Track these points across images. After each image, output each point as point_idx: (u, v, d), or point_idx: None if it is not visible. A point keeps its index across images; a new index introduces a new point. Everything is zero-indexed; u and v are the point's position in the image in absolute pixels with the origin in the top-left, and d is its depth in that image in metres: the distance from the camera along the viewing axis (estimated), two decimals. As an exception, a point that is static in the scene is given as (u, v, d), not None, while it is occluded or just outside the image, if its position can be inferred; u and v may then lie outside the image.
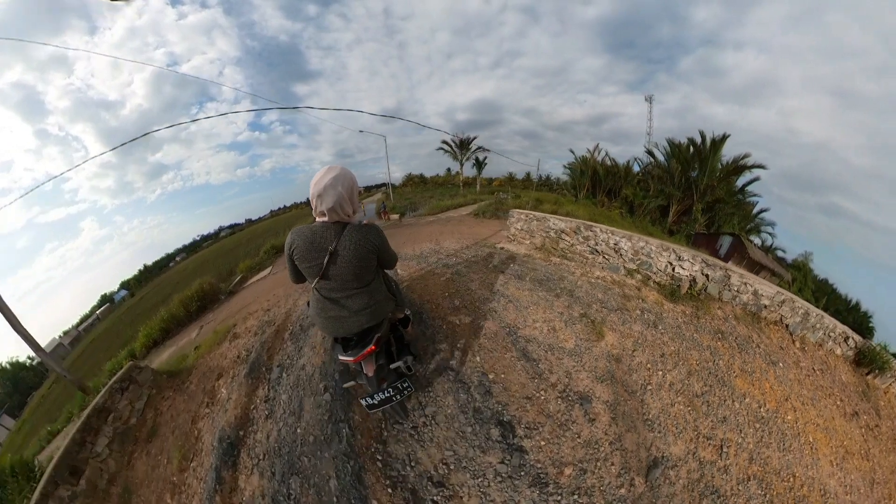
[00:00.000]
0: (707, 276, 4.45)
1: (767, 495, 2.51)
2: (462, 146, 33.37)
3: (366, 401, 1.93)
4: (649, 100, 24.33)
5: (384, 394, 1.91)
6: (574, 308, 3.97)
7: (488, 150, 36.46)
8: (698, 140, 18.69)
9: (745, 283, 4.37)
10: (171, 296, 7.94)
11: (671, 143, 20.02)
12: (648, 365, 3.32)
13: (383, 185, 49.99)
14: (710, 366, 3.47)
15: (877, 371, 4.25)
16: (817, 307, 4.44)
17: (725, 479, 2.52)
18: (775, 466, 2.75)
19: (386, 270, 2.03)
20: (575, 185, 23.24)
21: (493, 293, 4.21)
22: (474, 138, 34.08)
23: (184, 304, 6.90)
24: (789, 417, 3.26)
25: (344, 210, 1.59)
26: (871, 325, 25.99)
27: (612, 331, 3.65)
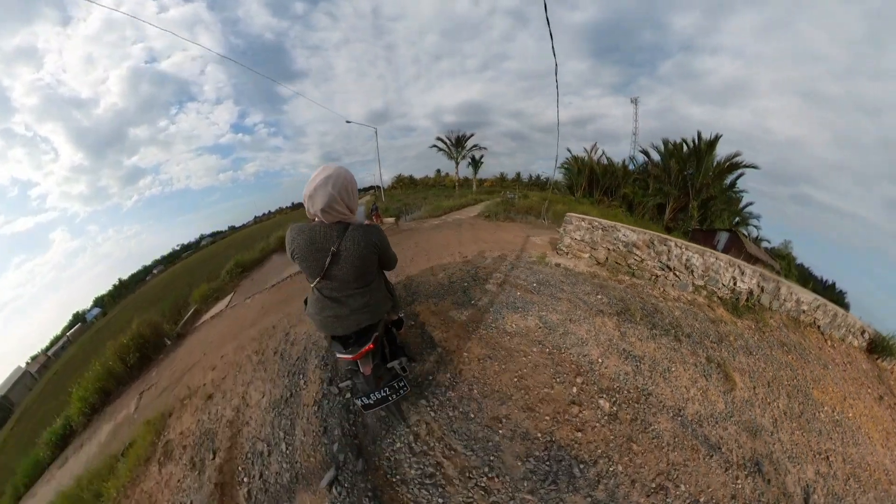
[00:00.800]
0: (762, 288, 4.66)
1: (862, 487, 2.88)
2: (458, 144, 31.69)
3: (361, 400, 1.91)
4: (635, 102, 25.03)
5: (380, 393, 1.90)
6: (699, 353, 3.54)
7: (485, 149, 33.69)
8: (690, 140, 19.17)
9: (791, 293, 4.76)
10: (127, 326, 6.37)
11: (667, 143, 20.31)
12: (767, 399, 3.26)
13: (372, 188, 48.72)
14: (795, 382, 3.67)
15: (886, 356, 4.85)
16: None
17: (837, 483, 2.81)
18: (857, 460, 3.10)
19: (385, 271, 2.03)
20: (572, 185, 22.97)
21: (619, 353, 3.19)
22: (470, 136, 32.06)
23: (120, 355, 5.38)
24: (850, 414, 3.61)
25: (336, 210, 1.53)
26: (845, 301, 29.73)
27: (735, 371, 3.46)
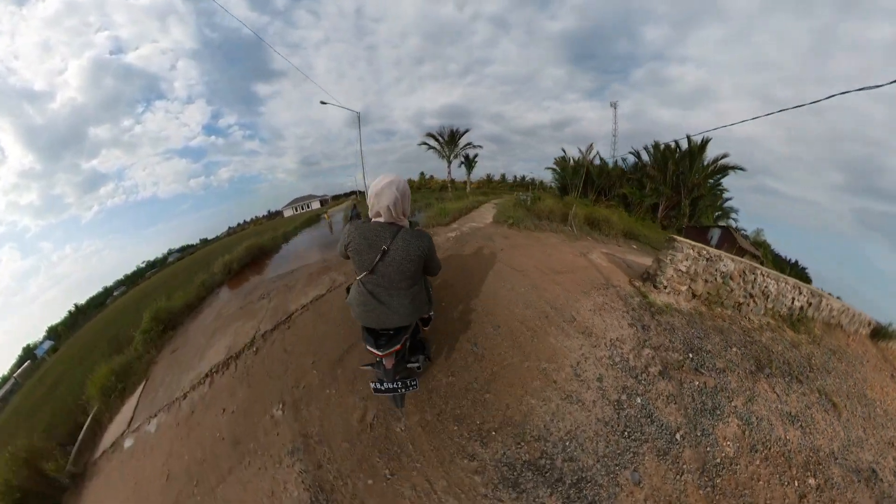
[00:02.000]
0: (810, 303, 5.19)
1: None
2: (451, 140, 28.78)
3: (375, 385, 2.10)
4: (614, 105, 25.44)
5: (393, 385, 2.07)
6: (812, 388, 3.55)
7: (479, 147, 30.44)
8: (681, 142, 19.95)
9: (828, 304, 5.36)
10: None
11: (657, 145, 20.95)
12: (854, 412, 3.47)
13: (353, 193, 46.77)
14: (857, 388, 3.90)
15: (887, 340, 5.70)
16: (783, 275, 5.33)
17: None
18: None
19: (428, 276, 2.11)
20: (565, 185, 22.62)
21: (785, 418, 3.04)
22: (465, 132, 28.79)
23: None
24: (889, 400, 3.93)
25: (397, 210, 1.73)
26: (808, 278, 31.71)
27: (832, 394, 3.56)
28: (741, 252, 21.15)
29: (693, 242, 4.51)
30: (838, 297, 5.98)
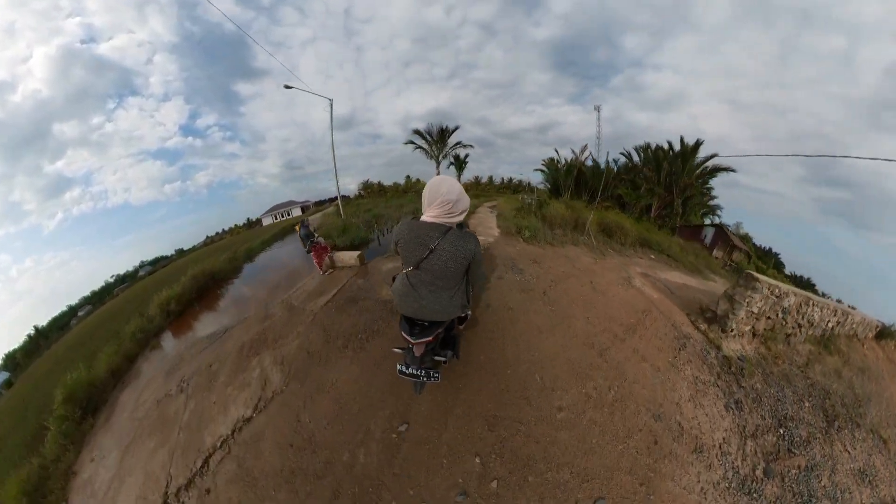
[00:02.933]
0: (839, 322, 5.31)
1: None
2: (440, 139, 26.39)
3: (400, 367, 2.22)
4: (598, 109, 25.40)
5: (418, 371, 2.17)
6: (865, 431, 3.40)
7: (471, 146, 28.03)
8: (672, 144, 20.13)
9: (852, 319, 5.52)
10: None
11: (648, 146, 20.89)
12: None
13: (335, 198, 45.08)
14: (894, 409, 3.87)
15: (888, 339, 6.07)
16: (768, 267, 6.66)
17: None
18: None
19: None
20: (557, 186, 22.15)
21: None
22: (455, 129, 26.34)
23: None
24: None
25: (447, 211, 1.78)
26: (781, 261, 35.24)
27: (881, 429, 3.48)
28: (734, 248, 21.46)
29: (770, 280, 4.04)
30: (854, 307, 6.32)
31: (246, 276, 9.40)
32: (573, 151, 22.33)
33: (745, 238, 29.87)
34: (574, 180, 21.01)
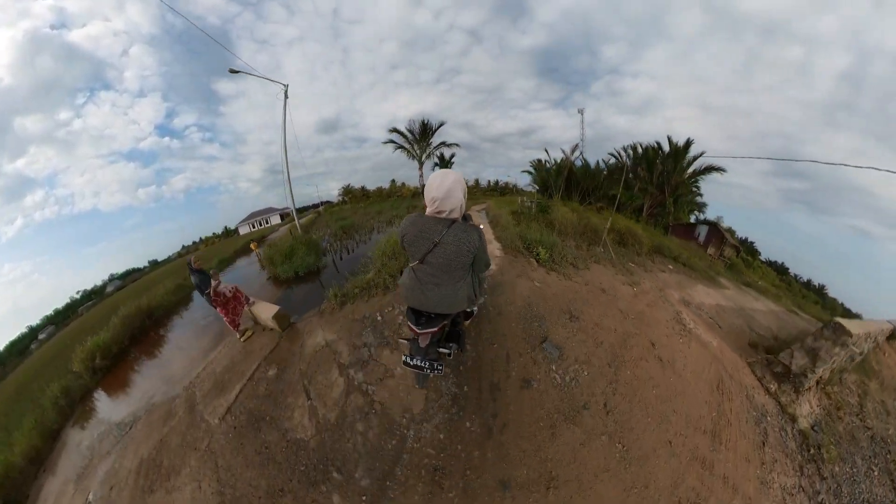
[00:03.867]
0: (875, 343, 5.15)
1: None
2: (422, 136, 23.46)
3: (405, 359, 2.23)
4: (581, 112, 25.59)
5: (422, 363, 2.18)
6: None
7: (457, 146, 24.81)
8: (661, 144, 19.90)
9: (876, 332, 5.07)
10: None
11: (636, 146, 20.57)
12: None
13: (320, 204, 43.06)
14: None
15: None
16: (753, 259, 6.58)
17: None
18: None
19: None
20: (547, 187, 21.39)
21: None
22: (440, 125, 23.46)
23: None
24: None
25: (456, 212, 1.83)
26: (757, 249, 36.44)
27: None
28: (723, 244, 21.26)
29: (861, 328, 3.44)
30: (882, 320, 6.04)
31: (188, 317, 7.50)
32: (563, 151, 21.64)
33: (730, 231, 30.21)
34: (565, 181, 20.31)
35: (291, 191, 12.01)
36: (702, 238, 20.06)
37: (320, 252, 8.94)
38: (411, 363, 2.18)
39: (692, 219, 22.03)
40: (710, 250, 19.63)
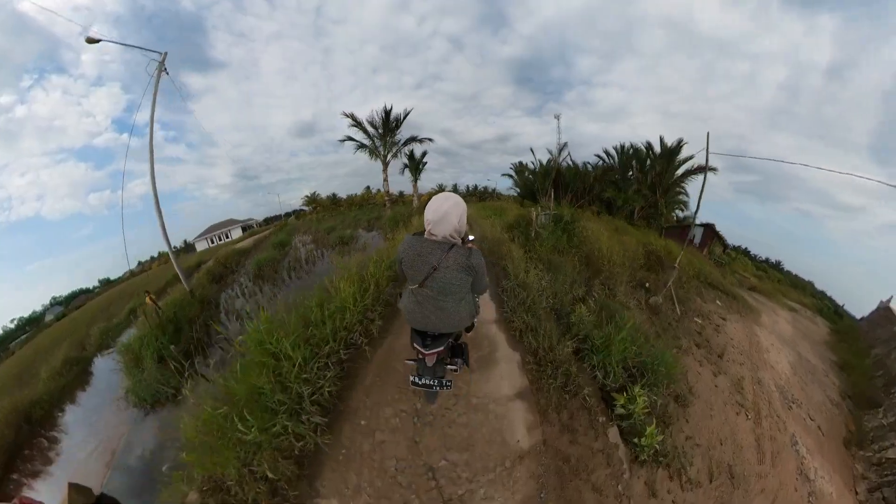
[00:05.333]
0: None
1: None
2: (386, 129, 18.77)
3: (412, 378, 2.22)
4: (558, 118, 24.64)
5: (430, 381, 2.18)
6: None
7: (430, 140, 20.31)
8: (652, 144, 18.89)
9: None
10: None
11: (630, 147, 19.63)
12: None
13: (293, 213, 39.34)
14: None
15: None
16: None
17: None
18: None
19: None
20: (533, 191, 19.70)
21: None
22: (407, 113, 18.79)
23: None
24: None
25: (453, 237, 1.80)
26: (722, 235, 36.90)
27: None
28: (715, 244, 20.43)
29: None
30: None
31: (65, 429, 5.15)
32: (549, 152, 19.99)
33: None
34: (552, 183, 18.71)
35: (160, 214, 8.58)
36: (697, 240, 18.99)
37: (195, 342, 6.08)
38: (420, 382, 2.18)
39: (673, 217, 21.32)
40: (704, 252, 18.69)
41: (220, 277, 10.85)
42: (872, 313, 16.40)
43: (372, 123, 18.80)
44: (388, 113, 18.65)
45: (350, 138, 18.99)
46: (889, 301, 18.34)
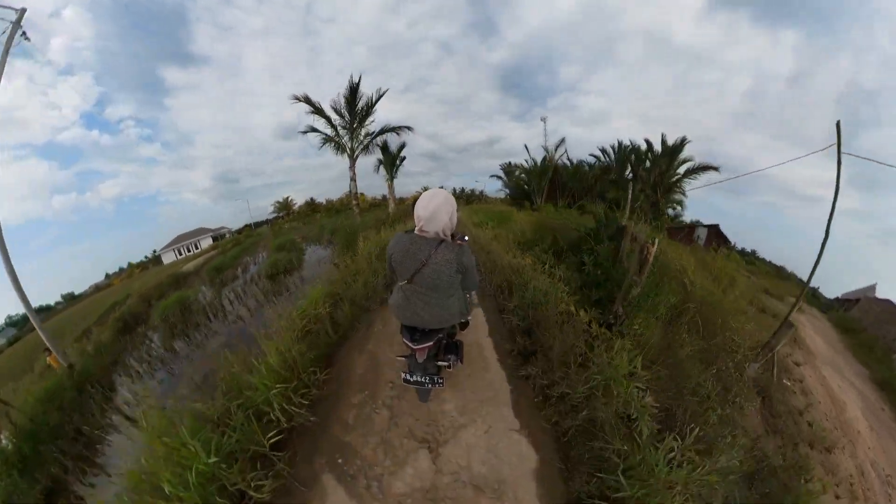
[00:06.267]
0: None
1: None
2: (353, 114, 14.49)
3: (404, 375, 2.18)
4: (544, 121, 24.14)
5: (421, 378, 2.13)
6: None
7: (409, 129, 16.12)
8: (652, 143, 17.84)
9: None
10: None
11: (629, 146, 18.27)
12: None
13: (263, 223, 36.23)
14: None
15: None
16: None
17: None
18: None
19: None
20: (528, 192, 18.07)
21: None
22: (381, 95, 14.50)
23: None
24: None
25: (444, 233, 1.76)
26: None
27: None
28: (729, 249, 19.39)
29: None
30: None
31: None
32: (545, 149, 18.28)
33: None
34: (549, 182, 17.12)
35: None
36: (702, 241, 17.79)
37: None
38: (411, 379, 2.15)
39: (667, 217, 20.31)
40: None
41: (137, 322, 8.32)
42: (856, 299, 16.29)
43: (336, 109, 14.22)
44: (353, 91, 13.75)
45: (313, 129, 14.62)
46: (874, 289, 18.19)
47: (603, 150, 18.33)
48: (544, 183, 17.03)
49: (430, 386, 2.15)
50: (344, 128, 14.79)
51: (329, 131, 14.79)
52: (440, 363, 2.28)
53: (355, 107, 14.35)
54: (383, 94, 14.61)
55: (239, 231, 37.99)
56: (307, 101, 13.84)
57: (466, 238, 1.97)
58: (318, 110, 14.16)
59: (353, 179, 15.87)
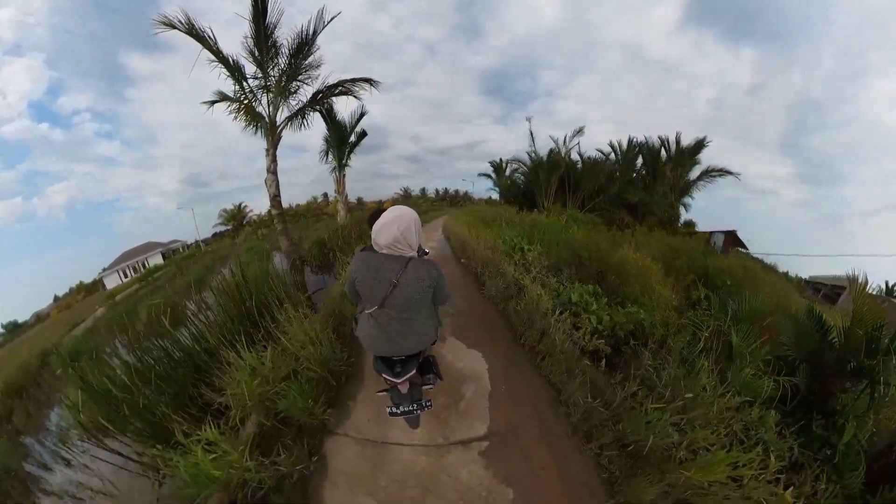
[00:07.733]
0: None
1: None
2: (269, 62, 8.07)
3: (391, 409, 2.05)
4: (529, 120, 21.58)
5: (409, 407, 2.03)
6: None
7: (372, 83, 9.17)
8: (666, 141, 16.79)
9: None
10: None
11: (631, 143, 16.95)
12: None
13: (217, 234, 31.38)
14: None
15: None
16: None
17: None
18: None
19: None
20: (531, 193, 15.94)
21: None
22: (324, 26, 8.03)
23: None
24: None
25: (398, 248, 1.65)
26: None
27: None
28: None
29: None
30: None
31: None
32: (554, 141, 16.05)
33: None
34: (558, 181, 15.07)
35: None
36: (718, 246, 16.44)
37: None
38: (399, 412, 2.00)
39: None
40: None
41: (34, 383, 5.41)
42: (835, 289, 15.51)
43: (253, 51, 7.99)
44: (261, 11, 7.57)
45: (225, 97, 8.47)
46: (854, 277, 17.84)
47: (611, 146, 16.65)
48: (553, 181, 14.94)
49: (419, 412, 2.06)
50: (257, 80, 8.24)
51: (234, 89, 8.17)
52: (424, 387, 2.22)
53: (270, 38, 7.73)
54: (328, 22, 8.01)
55: (188, 245, 33.31)
56: (208, 45, 7.37)
57: (428, 252, 1.90)
58: (222, 60, 7.62)
59: (270, 170, 8.94)
